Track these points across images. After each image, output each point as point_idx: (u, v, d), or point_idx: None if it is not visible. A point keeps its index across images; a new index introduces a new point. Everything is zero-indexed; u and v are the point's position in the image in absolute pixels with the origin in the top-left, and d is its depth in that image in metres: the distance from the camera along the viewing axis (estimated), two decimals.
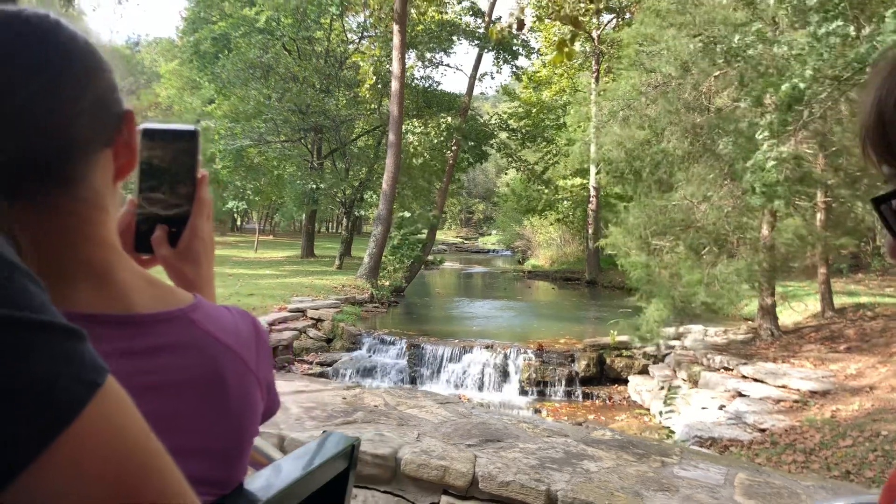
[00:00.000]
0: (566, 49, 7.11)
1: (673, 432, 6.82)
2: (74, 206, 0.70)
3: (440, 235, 54.65)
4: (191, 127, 0.90)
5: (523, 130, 25.88)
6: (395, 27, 16.56)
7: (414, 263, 19.47)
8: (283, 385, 5.03)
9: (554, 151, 27.76)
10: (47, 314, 0.51)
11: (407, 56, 21.60)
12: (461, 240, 70.90)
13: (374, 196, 25.46)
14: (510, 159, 24.95)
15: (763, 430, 6.90)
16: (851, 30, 6.98)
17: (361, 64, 20.59)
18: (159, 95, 35.35)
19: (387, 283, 17.56)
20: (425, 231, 20.44)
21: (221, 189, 29.53)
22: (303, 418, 4.18)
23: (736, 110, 9.83)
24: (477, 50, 21.68)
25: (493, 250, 62.16)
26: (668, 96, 9.99)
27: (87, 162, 0.71)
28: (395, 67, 16.72)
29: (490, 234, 70.72)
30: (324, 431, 1.25)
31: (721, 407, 7.77)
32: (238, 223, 55.80)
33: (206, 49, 25.57)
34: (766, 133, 7.23)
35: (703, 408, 7.82)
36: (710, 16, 9.04)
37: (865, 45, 6.73)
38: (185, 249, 0.92)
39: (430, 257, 23.22)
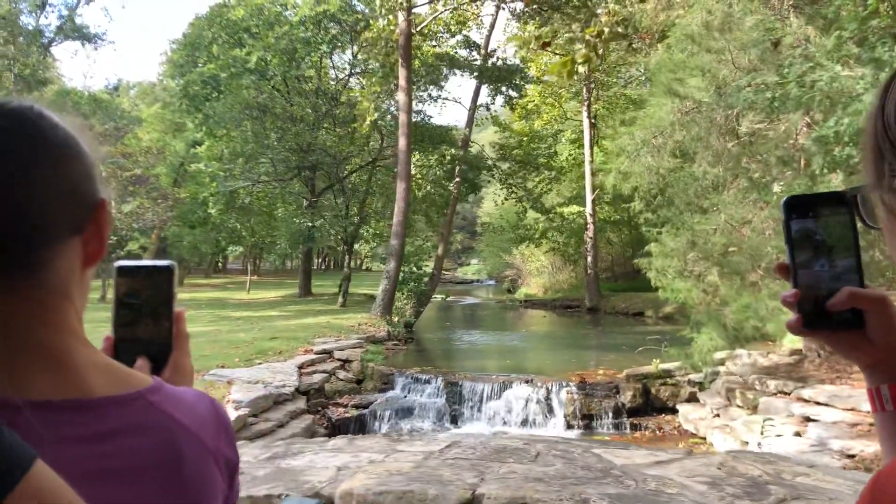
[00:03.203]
0: (569, 67, 7.00)
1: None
2: (35, 293, 0.71)
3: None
4: (166, 262, 0.91)
5: (518, 159, 25.94)
6: (401, 61, 16.53)
7: (421, 298, 19.26)
8: (628, 454, 4.77)
9: (547, 180, 27.85)
10: None
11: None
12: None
13: (370, 231, 25.33)
14: (511, 189, 24.93)
15: (852, 456, 6.76)
16: None
17: (361, 100, 20.50)
18: (142, 140, 34.89)
19: (396, 320, 17.31)
20: (430, 265, 20.28)
21: (215, 231, 29.16)
22: (728, 498, 3.84)
23: (769, 133, 9.85)
24: (475, 82, 21.74)
25: (477, 280, 62.07)
26: (699, 122, 9.98)
27: (53, 249, 0.72)
28: (403, 100, 16.67)
29: (469, 265, 70.60)
30: (287, 496, 1.24)
31: (797, 434, 7.63)
32: (221, 265, 55.19)
33: (195, 91, 25.33)
34: (825, 169, 7.25)
35: (779, 435, 7.67)
36: (745, 40, 9.08)
37: None
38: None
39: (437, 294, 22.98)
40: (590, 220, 26.36)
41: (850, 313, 0.79)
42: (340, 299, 22.08)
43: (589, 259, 26.58)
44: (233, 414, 8.57)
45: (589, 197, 26.14)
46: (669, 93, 9.81)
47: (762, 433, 6.95)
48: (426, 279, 19.30)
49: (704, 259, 9.79)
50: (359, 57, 26.22)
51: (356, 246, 25.49)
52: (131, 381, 0.77)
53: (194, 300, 27.46)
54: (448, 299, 33.82)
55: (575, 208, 27.48)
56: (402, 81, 16.53)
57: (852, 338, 0.80)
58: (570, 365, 12.70)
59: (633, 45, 16.44)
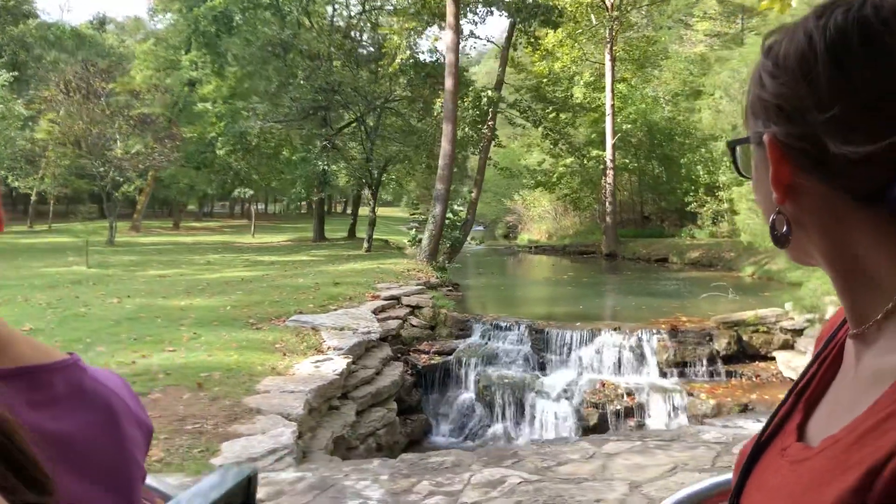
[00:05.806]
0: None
1: None
2: None
3: (399, 213, 53.47)
4: None
5: (549, 99, 25.41)
6: None
7: (455, 244, 18.92)
8: None
9: (565, 123, 27.34)
10: None
11: (434, 30, 20.86)
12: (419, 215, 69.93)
13: (388, 177, 24.76)
14: (547, 132, 24.38)
15: None
16: None
17: (391, 37, 19.72)
18: (135, 78, 33.49)
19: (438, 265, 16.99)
20: (463, 210, 19.91)
21: (221, 173, 28.37)
22: None
23: None
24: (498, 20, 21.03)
25: None
26: None
27: None
28: (450, 38, 15.98)
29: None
30: (220, 466, 1.10)
31: None
32: (209, 209, 54.25)
33: (205, 27, 24.21)
34: None
35: None
36: None
37: None
38: None
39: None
40: (609, 164, 26.04)
41: None
42: (365, 244, 21.67)
43: (607, 204, 26.38)
44: (340, 363, 8.24)
45: (609, 140, 25.78)
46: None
47: None
48: (461, 225, 18.94)
49: None
50: None
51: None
52: (52, 351, 0.79)
53: (201, 244, 26.82)
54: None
55: (594, 152, 27.12)
56: (449, 18, 15.78)
57: None
58: (642, 312, 12.54)
59: None
